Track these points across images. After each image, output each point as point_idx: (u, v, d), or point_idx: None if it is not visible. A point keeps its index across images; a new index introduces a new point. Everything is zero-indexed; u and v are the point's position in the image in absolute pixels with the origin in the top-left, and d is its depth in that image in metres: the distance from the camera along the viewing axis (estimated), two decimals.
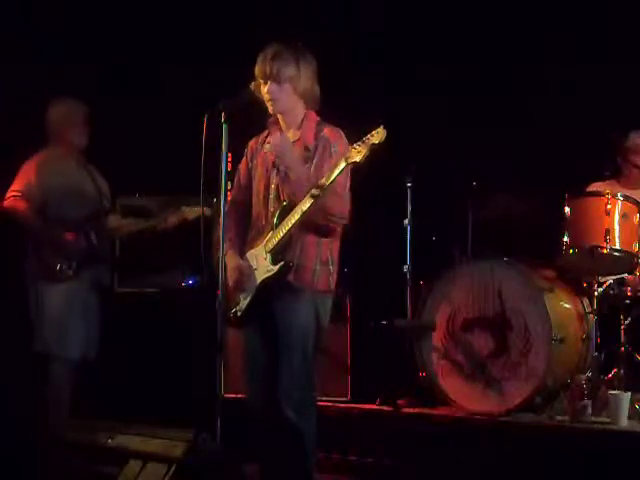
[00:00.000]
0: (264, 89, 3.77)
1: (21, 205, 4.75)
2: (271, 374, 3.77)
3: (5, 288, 5.17)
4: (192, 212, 4.81)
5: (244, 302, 3.80)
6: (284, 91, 3.77)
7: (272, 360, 3.78)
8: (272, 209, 3.82)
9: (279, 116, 3.87)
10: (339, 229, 3.86)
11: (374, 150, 3.62)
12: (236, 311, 3.81)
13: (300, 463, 3.77)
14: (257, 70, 3.78)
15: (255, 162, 3.93)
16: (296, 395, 3.72)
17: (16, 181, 4.81)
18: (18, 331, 4.97)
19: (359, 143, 3.65)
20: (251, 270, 3.81)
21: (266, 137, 3.94)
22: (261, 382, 3.82)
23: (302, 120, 3.85)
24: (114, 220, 4.98)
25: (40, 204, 4.77)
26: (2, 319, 5.31)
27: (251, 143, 3.98)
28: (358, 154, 3.62)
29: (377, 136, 3.63)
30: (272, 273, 3.73)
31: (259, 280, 3.77)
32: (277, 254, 3.75)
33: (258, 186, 3.90)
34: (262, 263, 3.77)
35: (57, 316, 4.69)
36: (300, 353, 3.74)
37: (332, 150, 3.79)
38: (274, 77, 3.74)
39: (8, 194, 4.79)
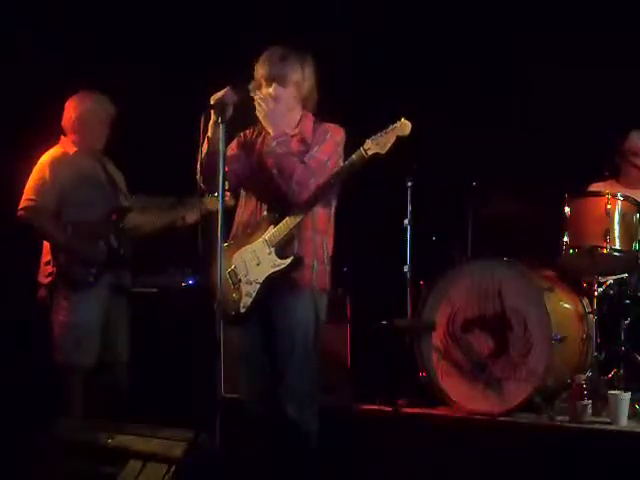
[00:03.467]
0: (267, 90, 3.76)
1: (35, 214, 4.64)
2: (271, 373, 3.77)
3: (21, 297, 5.14)
4: (214, 203, 4.30)
5: (248, 298, 3.78)
6: (288, 94, 3.79)
7: (272, 359, 3.78)
8: (268, 205, 3.82)
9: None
10: (330, 224, 3.86)
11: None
12: (238, 307, 3.79)
13: (304, 460, 3.77)
14: (262, 71, 3.78)
15: (245, 152, 3.90)
16: (298, 393, 3.72)
17: (29, 185, 4.69)
18: (34, 340, 4.98)
19: (378, 135, 3.65)
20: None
21: (261, 132, 3.93)
22: (260, 381, 3.82)
23: (299, 120, 3.86)
24: (133, 218, 4.85)
25: (57, 208, 4.67)
26: (17, 329, 5.32)
27: (246, 132, 3.96)
28: (379, 146, 3.63)
29: (402, 129, 3.64)
30: (282, 267, 3.73)
31: (265, 276, 3.76)
32: (281, 248, 3.75)
33: (253, 183, 3.90)
34: (266, 257, 3.75)
35: (76, 324, 4.64)
36: (302, 351, 3.75)
37: (327, 136, 3.81)
38: (280, 80, 3.75)
39: (22, 202, 4.68)
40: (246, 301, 3.78)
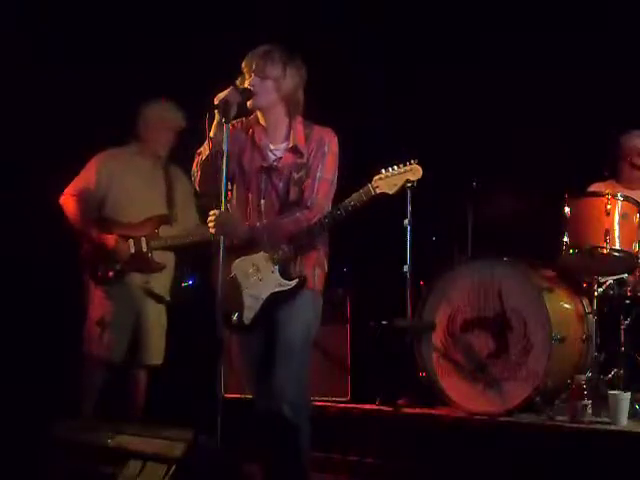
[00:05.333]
0: (246, 82, 3.77)
1: (71, 204, 4.79)
2: (271, 374, 3.76)
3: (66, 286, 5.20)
4: None
5: (250, 312, 3.77)
6: (265, 87, 3.76)
7: (272, 361, 3.77)
8: (266, 218, 3.81)
9: (259, 114, 3.87)
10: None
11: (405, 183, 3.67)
12: (241, 317, 3.79)
13: (297, 461, 3.77)
14: (244, 64, 3.80)
15: (235, 150, 3.86)
16: (293, 394, 3.72)
17: (77, 177, 4.84)
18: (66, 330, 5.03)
19: (387, 174, 3.68)
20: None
21: (248, 129, 3.91)
22: (263, 383, 3.82)
23: (289, 127, 3.84)
24: (179, 229, 4.90)
25: (98, 203, 4.80)
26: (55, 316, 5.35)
27: (230, 127, 3.82)
28: (387, 186, 3.67)
29: (413, 173, 3.67)
30: (286, 288, 3.73)
31: (268, 293, 3.75)
32: (285, 267, 3.75)
33: (245, 184, 3.89)
34: (270, 275, 3.73)
35: (101, 319, 4.73)
36: (300, 354, 3.76)
37: (325, 150, 3.80)
38: (258, 72, 3.75)
39: (66, 190, 4.83)
40: (248, 314, 3.76)
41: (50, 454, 3.95)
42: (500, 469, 4.31)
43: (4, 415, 4.90)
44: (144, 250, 4.80)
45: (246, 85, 3.77)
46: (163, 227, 4.88)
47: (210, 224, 3.67)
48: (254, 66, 3.76)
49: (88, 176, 4.83)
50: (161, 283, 4.92)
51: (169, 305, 4.99)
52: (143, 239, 4.80)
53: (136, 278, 4.81)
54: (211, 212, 3.67)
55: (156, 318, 4.91)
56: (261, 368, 3.82)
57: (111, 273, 4.73)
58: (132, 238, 4.79)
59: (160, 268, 4.87)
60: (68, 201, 4.81)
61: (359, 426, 4.84)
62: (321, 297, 3.88)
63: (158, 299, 4.91)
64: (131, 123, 4.94)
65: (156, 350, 4.91)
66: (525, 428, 4.50)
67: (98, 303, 4.77)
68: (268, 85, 3.76)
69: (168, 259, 4.93)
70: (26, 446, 4.20)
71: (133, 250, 4.78)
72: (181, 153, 4.94)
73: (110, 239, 4.73)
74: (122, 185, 4.83)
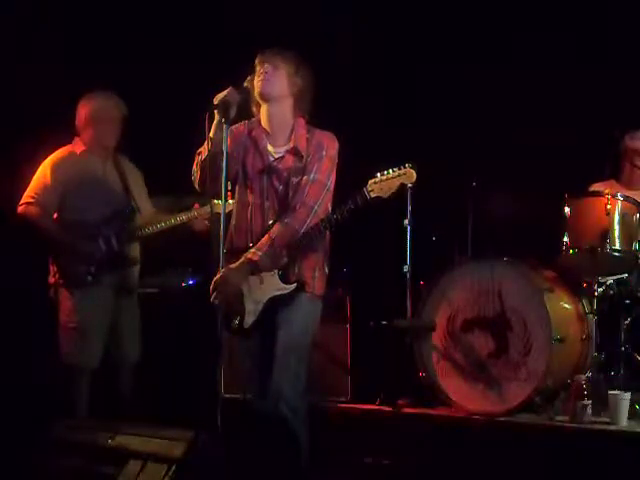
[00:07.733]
0: (260, 70, 3.78)
1: (34, 212, 4.69)
2: (269, 375, 3.77)
3: (26, 295, 5.15)
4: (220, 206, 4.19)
5: (251, 317, 3.79)
6: (278, 76, 3.79)
7: (270, 362, 3.78)
8: (269, 220, 3.81)
9: (262, 116, 3.87)
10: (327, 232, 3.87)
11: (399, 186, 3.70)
12: (242, 322, 3.80)
13: (296, 460, 3.78)
14: (257, 59, 3.84)
15: (240, 154, 3.88)
16: (292, 395, 3.73)
17: (32, 183, 4.75)
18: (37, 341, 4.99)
19: (382, 178, 3.69)
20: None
21: (250, 131, 3.91)
22: (262, 384, 3.83)
23: (292, 130, 3.85)
24: (142, 219, 4.85)
25: (57, 207, 4.71)
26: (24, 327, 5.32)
27: (234, 130, 3.89)
28: (382, 190, 3.69)
29: (407, 177, 3.69)
30: (285, 292, 3.76)
31: (268, 297, 3.78)
32: (285, 270, 3.76)
33: (246, 186, 3.89)
34: (270, 279, 3.77)
35: (77, 325, 4.66)
36: (298, 356, 3.78)
37: (323, 153, 3.81)
38: (273, 62, 3.79)
39: (23, 199, 4.73)
40: (249, 319, 3.79)
41: (50, 454, 3.95)
42: (500, 469, 4.31)
43: (3, 415, 4.91)
44: (116, 247, 4.74)
45: (259, 74, 3.77)
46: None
47: (213, 294, 3.68)
48: (268, 57, 3.80)
49: (44, 181, 4.72)
50: (133, 276, 4.87)
51: (141, 297, 4.95)
52: (113, 236, 4.74)
53: (109, 277, 4.74)
54: (212, 282, 3.68)
55: (131, 314, 4.86)
56: (260, 369, 3.83)
57: (90, 277, 4.65)
58: (102, 237, 4.72)
59: (134, 262, 4.83)
60: (30, 209, 4.70)
61: (359, 426, 4.84)
62: (320, 300, 3.89)
63: (136, 294, 4.88)
64: (68, 120, 4.84)
65: (135, 346, 4.86)
66: (525, 428, 4.50)
67: (73, 309, 4.66)
68: (281, 74, 3.80)
69: (134, 250, 4.87)
70: (26, 446, 4.20)
71: (105, 249, 4.72)
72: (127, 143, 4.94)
73: (82, 242, 4.66)
74: (79, 186, 4.73)
